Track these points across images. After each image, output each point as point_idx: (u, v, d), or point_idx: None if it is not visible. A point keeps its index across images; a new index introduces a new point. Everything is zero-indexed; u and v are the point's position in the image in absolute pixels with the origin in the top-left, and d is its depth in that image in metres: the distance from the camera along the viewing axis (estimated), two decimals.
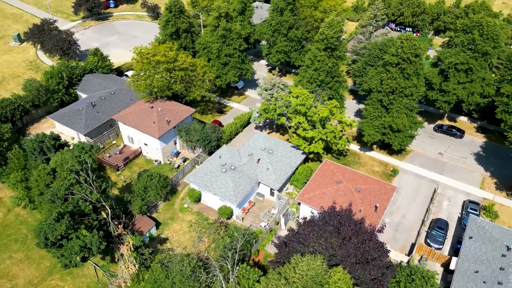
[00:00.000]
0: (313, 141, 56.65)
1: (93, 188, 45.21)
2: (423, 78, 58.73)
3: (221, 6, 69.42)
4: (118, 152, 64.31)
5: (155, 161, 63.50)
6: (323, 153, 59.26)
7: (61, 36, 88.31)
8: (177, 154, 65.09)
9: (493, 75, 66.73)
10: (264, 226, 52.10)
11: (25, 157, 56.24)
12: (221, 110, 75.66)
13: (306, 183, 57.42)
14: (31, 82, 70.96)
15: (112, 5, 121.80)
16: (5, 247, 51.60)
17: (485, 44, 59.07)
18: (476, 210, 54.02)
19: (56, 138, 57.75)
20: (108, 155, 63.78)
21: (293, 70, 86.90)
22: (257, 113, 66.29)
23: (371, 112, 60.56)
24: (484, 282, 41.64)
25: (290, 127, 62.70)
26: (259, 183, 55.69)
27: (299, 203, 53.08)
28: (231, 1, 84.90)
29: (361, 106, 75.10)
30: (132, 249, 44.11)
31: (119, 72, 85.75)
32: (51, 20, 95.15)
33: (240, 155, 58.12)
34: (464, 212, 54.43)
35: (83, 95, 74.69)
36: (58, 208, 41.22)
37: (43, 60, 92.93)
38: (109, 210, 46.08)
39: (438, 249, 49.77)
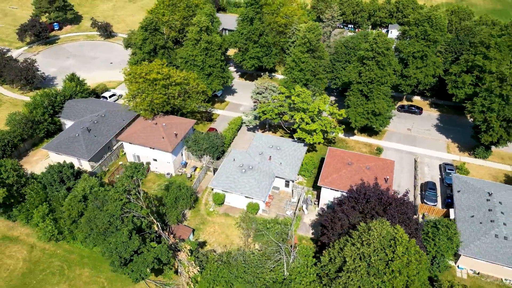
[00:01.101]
0: (314, 133, 63.89)
1: (143, 204, 47.49)
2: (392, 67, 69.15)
3: (201, 21, 73.65)
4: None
5: (167, 174, 65.99)
6: (319, 142, 66.79)
7: (22, 65, 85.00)
8: (185, 164, 68.13)
9: (438, 58, 79.80)
10: (290, 214, 58.18)
11: (44, 190, 55.57)
12: (211, 118, 79.71)
13: (312, 171, 64.82)
14: (14, 115, 68.55)
15: (56, 28, 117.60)
16: (45, 281, 51.24)
17: (435, 34, 71.31)
18: (452, 170, 65.70)
19: (72, 166, 57.77)
20: (117, 176, 64.65)
21: (261, 74, 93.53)
22: (252, 116, 71.82)
23: (354, 101, 69.59)
24: (480, 223, 52.37)
25: (290, 124, 68.93)
26: (275, 177, 61.52)
27: (317, 189, 60.06)
28: (198, 14, 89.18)
29: (332, 98, 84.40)
30: (189, 253, 47.42)
31: (96, 94, 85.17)
32: (3, 50, 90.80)
33: (251, 155, 63.30)
34: (444, 173, 65.78)
35: (69, 122, 73.78)
36: (126, 228, 43.00)
37: (3, 93, 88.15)
38: (157, 223, 48.70)
39: (434, 205, 60.09)
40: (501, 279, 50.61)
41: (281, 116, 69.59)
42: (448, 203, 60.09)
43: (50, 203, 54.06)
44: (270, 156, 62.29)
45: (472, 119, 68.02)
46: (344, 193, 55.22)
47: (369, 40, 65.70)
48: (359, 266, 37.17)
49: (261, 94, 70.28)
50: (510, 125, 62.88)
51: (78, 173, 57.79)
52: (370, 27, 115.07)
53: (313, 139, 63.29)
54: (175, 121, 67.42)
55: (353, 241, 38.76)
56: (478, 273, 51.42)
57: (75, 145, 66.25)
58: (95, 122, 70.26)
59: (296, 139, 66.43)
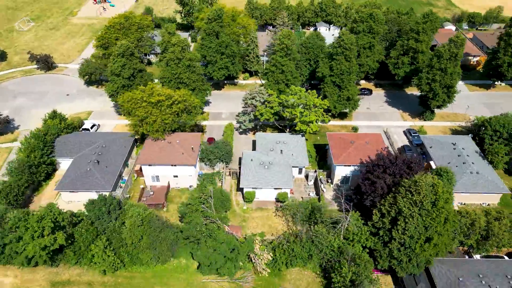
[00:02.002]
0: (311, 123, 74.14)
1: (213, 211, 52.24)
2: None
3: (181, 40, 78.10)
4: (151, 194, 67.80)
5: (189, 187, 69.95)
6: (315, 132, 77.20)
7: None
8: (202, 175, 72.67)
9: (380, 46, 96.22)
10: (313, 195, 67.73)
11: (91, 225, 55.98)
12: (202, 129, 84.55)
13: (312, 156, 75.20)
14: (13, 163, 65.16)
15: None
16: None
17: (378, 28, 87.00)
18: (416, 133, 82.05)
19: (114, 197, 58.97)
20: (144, 199, 66.70)
21: (226, 82, 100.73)
22: (247, 119, 79.27)
23: (330, 92, 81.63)
24: (456, 166, 68.45)
25: (290, 119, 77.69)
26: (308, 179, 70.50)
27: (326, 169, 70.56)
28: (162, 33, 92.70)
29: None
30: (260, 244, 53.95)
31: (73, 128, 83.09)
32: None
33: (263, 153, 70.89)
34: (410, 137, 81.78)
35: (65, 160, 72.18)
36: (212, 240, 47.55)
37: None
38: (224, 225, 54.04)
39: None
40: (480, 203, 67.32)
41: (276, 115, 78.30)
42: (423, 158, 75.72)
43: (106, 234, 54.93)
44: (282, 150, 70.78)
45: (419, 91, 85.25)
46: (356, 167, 66.95)
47: (322, 39, 77.98)
48: (414, 211, 48.53)
49: (254, 98, 77.94)
50: (450, 90, 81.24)
51: (119, 203, 58.98)
52: (300, 26, 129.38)
53: (311, 129, 73.54)
54: (185, 137, 71.50)
55: (402, 194, 49.98)
56: (464, 204, 67.49)
57: (91, 179, 66.15)
58: (99, 153, 70.45)
59: (289, 132, 76.00)
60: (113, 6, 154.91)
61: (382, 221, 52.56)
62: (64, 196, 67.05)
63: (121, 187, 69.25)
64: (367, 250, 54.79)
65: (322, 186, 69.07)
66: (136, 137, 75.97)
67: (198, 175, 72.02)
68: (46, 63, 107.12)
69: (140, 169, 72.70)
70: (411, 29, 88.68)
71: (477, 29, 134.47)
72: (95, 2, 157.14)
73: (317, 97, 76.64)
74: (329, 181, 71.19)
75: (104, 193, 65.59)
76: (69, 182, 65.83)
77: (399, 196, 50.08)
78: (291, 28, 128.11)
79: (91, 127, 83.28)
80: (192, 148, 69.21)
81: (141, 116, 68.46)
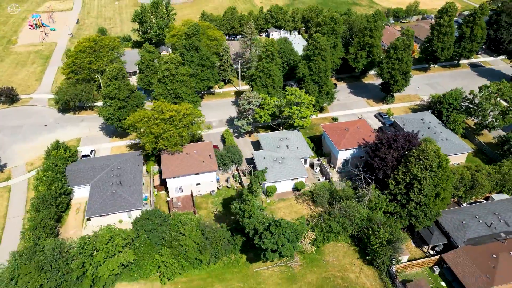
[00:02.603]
0: (305, 119, 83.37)
1: (262, 203, 58.41)
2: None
3: (173, 57, 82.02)
4: (179, 204, 71.36)
5: (212, 192, 74.78)
6: (301, 124, 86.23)
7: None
8: (218, 180, 77.69)
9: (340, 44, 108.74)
10: (323, 179, 77.04)
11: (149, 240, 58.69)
12: (201, 138, 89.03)
13: (310, 147, 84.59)
14: (37, 199, 64.14)
15: None
16: None
17: (339, 28, 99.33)
18: (386, 115, 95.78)
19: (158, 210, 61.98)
20: (175, 210, 70.09)
21: (202, 92, 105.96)
22: (245, 123, 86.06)
23: (311, 89, 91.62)
24: (428, 135, 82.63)
25: (285, 118, 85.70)
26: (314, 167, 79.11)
27: (326, 156, 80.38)
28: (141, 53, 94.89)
29: None
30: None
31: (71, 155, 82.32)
32: None
33: (271, 150, 78.29)
34: (382, 119, 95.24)
35: (80, 188, 72.37)
36: (277, 227, 54.09)
37: None
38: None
39: None
40: (452, 164, 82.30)
41: (273, 116, 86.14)
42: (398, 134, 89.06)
43: (166, 244, 58.14)
44: (287, 145, 78.91)
45: (381, 79, 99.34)
46: (355, 149, 77.67)
47: (312, 41, 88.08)
48: (425, 174, 60.00)
49: (250, 103, 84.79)
50: (406, 75, 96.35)
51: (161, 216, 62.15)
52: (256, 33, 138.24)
53: (307, 123, 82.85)
54: (199, 147, 76.03)
55: (413, 162, 61.18)
56: None
57: (120, 200, 67.82)
58: (117, 175, 71.99)
59: (285, 130, 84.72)
60: (53, 30, 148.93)
61: (398, 187, 63.48)
62: (94, 221, 67.67)
63: (146, 203, 71.56)
64: (388, 215, 65.37)
65: (328, 171, 78.60)
66: (148, 153, 78.30)
67: (217, 179, 76.86)
68: (9, 96, 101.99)
69: (160, 183, 75.73)
70: (365, 27, 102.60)
71: (401, 22, 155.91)
72: (32, 28, 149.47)
73: None
74: (332, 166, 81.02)
75: (132, 212, 68.17)
76: (98, 207, 66.76)
77: (411, 164, 61.31)
78: (239, 36, 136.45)
79: (91, 153, 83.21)
80: (210, 155, 74.10)
81: (157, 133, 71.51)
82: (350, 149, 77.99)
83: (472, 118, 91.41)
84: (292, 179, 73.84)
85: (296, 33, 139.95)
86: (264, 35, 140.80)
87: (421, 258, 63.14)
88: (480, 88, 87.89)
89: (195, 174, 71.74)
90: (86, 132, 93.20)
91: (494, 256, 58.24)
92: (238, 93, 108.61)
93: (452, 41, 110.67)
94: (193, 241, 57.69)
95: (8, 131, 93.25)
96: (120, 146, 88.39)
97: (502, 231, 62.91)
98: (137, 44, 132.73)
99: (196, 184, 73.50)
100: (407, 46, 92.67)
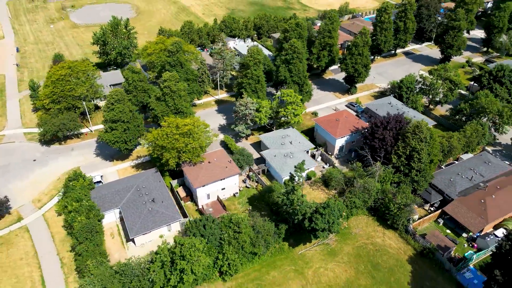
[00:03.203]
0: (298, 116, 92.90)
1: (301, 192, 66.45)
2: None
3: (172, 75, 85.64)
4: (211, 210, 76.07)
5: (235, 194, 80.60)
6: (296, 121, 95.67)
7: None
8: None
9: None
10: (327, 166, 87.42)
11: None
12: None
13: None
14: (81, 231, 64.36)
15: None
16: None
17: (304, 33, 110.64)
18: (356, 104, 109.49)
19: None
20: (209, 214, 74.66)
21: None
22: (244, 127, 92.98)
23: (294, 89, 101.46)
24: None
25: (279, 117, 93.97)
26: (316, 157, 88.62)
27: (322, 146, 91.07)
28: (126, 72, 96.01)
29: None
30: None
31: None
32: None
33: (278, 149, 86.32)
34: (354, 107, 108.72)
35: (108, 212, 73.27)
36: (326, 209, 62.64)
37: None
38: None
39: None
40: None
41: (270, 117, 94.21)
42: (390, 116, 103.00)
43: (225, 243, 63.19)
44: (291, 141, 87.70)
45: (346, 73, 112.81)
46: (348, 136, 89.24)
47: (287, 46, 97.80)
48: (422, 145, 73.21)
49: (247, 108, 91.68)
50: (367, 67, 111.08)
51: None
52: (211, 45, 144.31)
53: (301, 119, 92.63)
54: (217, 154, 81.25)
55: (410, 137, 73.95)
56: None
57: (159, 216, 70.68)
58: (146, 193, 74.36)
59: (275, 128, 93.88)
60: None
61: (400, 160, 76.10)
62: (137, 241, 69.52)
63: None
64: (394, 185, 77.70)
65: (329, 158, 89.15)
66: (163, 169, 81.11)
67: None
68: None
69: (187, 195, 79.43)
70: (323, 29, 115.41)
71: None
72: None
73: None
74: (329, 153, 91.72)
75: (172, 224, 71.58)
76: (139, 226, 68.86)
77: (409, 139, 74.26)
78: (200, 48, 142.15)
79: (101, 178, 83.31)
80: (230, 161, 79.83)
81: (181, 147, 75.24)
82: (345, 136, 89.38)
83: (426, 97, 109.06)
84: (306, 169, 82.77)
85: (249, 40, 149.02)
86: (221, 44, 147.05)
87: (426, 215, 76.54)
88: (430, 71, 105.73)
89: (221, 179, 77.00)
90: (81, 160, 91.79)
91: (482, 201, 73.60)
92: (218, 102, 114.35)
93: (391, 35, 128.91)
94: (249, 237, 63.66)
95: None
96: (126, 168, 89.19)
97: (480, 181, 79.00)
98: (96, 67, 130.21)
99: (221, 189, 78.71)
100: (365, 42, 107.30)
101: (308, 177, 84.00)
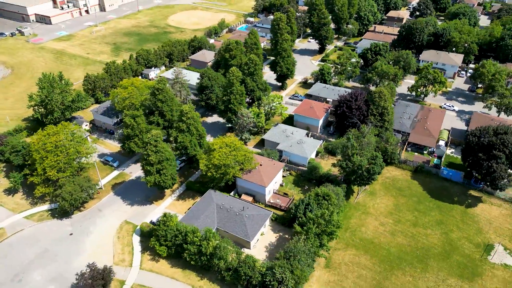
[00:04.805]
0: (284, 112, 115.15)
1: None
2: None
3: (190, 106, 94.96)
4: (278, 201, 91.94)
5: (281, 184, 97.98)
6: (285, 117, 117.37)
7: None
8: None
9: None
10: (321, 142, 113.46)
11: None
12: None
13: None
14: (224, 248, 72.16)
15: None
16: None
17: (227, 54, 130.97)
18: (297, 95, 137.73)
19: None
20: (283, 206, 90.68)
21: None
22: (247, 133, 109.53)
23: (259, 94, 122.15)
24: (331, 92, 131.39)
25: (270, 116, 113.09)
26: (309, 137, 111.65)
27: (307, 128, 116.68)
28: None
29: None
30: None
31: None
32: None
33: (287, 138, 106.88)
34: (297, 97, 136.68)
35: None
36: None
37: None
38: None
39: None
40: None
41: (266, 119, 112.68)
42: (357, 91, 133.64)
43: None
44: (292, 132, 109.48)
45: (280, 73, 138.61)
46: (324, 116, 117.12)
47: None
48: (386, 103, 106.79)
49: (248, 118, 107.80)
50: (294, 65, 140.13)
51: None
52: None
53: (284, 115, 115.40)
54: (258, 158, 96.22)
55: (378, 99, 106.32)
56: None
57: (256, 218, 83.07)
58: (230, 207, 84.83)
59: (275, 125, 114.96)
60: None
61: (376, 118, 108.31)
62: (252, 244, 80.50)
63: None
64: (377, 137, 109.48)
65: (318, 135, 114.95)
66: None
67: None
68: None
69: (253, 199, 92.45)
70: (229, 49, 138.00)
71: (218, 36, 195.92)
72: None
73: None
74: (315, 133, 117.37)
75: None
76: (251, 231, 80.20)
77: (378, 102, 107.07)
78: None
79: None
80: (271, 159, 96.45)
81: (241, 160, 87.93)
82: (323, 117, 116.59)
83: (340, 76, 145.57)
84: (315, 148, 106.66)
85: (163, 67, 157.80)
86: (140, 77, 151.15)
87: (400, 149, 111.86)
88: (339, 57, 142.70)
89: (277, 175, 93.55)
90: (121, 214, 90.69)
91: (425, 128, 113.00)
92: None
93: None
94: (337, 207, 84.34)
95: (38, 259, 79.45)
96: (173, 203, 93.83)
97: (413, 117, 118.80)
98: (32, 131, 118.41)
99: (275, 182, 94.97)
100: (285, 50, 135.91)
101: (317, 153, 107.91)
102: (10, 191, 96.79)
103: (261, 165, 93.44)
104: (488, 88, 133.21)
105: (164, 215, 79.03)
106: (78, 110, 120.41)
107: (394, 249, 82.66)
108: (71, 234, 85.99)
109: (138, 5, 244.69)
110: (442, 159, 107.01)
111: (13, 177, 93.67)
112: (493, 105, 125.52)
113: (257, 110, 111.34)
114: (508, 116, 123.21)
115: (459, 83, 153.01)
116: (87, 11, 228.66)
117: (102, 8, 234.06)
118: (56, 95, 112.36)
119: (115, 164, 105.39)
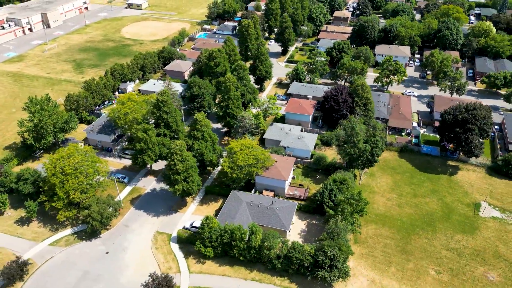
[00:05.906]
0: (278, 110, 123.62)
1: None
2: None
3: (205, 121, 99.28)
4: (296, 192, 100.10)
5: (293, 177, 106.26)
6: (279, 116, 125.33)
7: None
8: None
9: None
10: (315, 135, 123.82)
11: None
12: None
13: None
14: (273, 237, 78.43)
15: None
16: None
17: (211, 63, 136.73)
18: (280, 96, 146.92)
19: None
20: (301, 196, 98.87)
21: None
22: (251, 136, 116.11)
23: (249, 97, 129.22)
24: (310, 88, 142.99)
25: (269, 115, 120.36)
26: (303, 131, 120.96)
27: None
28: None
29: None
30: None
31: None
32: None
33: (287, 134, 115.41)
34: (280, 96, 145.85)
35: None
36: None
37: None
38: None
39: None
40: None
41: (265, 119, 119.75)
42: (341, 86, 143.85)
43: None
44: (290, 129, 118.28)
45: (260, 76, 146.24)
46: (313, 110, 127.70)
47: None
48: (367, 93, 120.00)
49: (250, 120, 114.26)
50: (271, 67, 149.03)
51: None
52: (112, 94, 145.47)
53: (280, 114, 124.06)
54: (273, 156, 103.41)
55: (361, 91, 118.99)
56: None
57: (286, 209, 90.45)
58: (260, 203, 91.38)
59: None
60: None
61: (360, 108, 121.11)
62: (287, 233, 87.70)
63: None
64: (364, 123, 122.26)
65: (312, 129, 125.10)
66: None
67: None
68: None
69: (274, 194, 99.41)
70: (213, 58, 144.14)
71: (181, 45, 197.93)
72: None
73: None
74: (305, 128, 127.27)
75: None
76: (285, 221, 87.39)
77: (362, 93, 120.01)
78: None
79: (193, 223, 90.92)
80: (282, 155, 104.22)
81: (262, 158, 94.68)
82: (312, 112, 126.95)
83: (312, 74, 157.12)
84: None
85: (137, 81, 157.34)
86: (118, 92, 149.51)
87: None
88: (310, 57, 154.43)
89: (292, 169, 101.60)
90: (152, 227, 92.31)
91: (400, 113, 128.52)
92: None
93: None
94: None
95: (81, 282, 79.05)
96: (198, 208, 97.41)
97: (387, 105, 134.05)
98: (22, 160, 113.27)
99: (291, 178, 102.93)
100: (262, 54, 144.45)
101: (315, 145, 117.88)
102: (23, 222, 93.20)
103: (276, 161, 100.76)
104: (438, 73, 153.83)
105: (207, 218, 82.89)
106: (72, 130, 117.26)
107: (405, 218, 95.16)
108: (107, 252, 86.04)
109: (85, 19, 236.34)
110: (419, 138, 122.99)
111: (28, 206, 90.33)
112: (446, 88, 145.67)
113: (254, 112, 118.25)
114: (459, 96, 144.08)
115: (410, 71, 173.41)
116: (30, 29, 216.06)
117: (47, 25, 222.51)
118: (48, 119, 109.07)
119: (125, 180, 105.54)
